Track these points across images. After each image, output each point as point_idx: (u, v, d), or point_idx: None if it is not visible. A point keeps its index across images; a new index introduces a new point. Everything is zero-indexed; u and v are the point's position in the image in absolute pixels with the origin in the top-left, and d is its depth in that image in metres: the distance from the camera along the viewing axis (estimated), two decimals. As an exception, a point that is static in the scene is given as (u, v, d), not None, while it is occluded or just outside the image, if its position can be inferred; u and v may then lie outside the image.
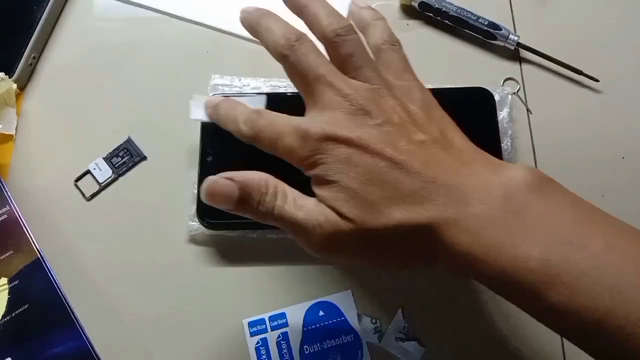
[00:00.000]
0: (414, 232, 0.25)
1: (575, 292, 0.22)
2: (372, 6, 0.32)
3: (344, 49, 0.28)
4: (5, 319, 0.33)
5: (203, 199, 0.27)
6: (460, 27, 0.41)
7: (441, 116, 0.28)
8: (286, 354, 0.34)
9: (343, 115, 0.26)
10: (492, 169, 0.26)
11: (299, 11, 0.30)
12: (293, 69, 0.28)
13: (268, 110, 0.29)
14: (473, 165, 0.26)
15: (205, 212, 0.35)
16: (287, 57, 0.28)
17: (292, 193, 0.27)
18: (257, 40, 0.30)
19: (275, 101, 0.37)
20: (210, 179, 0.27)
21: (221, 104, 0.30)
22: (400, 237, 0.25)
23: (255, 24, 0.30)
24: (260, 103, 0.34)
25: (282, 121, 0.28)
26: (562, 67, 0.39)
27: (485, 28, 0.40)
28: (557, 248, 0.23)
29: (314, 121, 0.27)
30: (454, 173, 0.26)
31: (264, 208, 0.26)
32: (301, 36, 0.28)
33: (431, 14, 0.41)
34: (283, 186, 0.27)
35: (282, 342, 0.34)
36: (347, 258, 0.27)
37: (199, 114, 0.32)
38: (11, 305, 0.34)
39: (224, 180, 0.27)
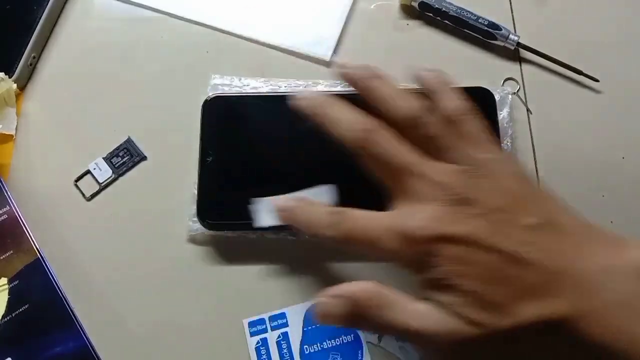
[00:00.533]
0: (544, 327, 0.23)
1: None
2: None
3: (425, 131, 0.26)
4: (5, 319, 0.33)
5: (317, 321, 0.26)
6: (460, 27, 0.41)
7: (538, 189, 0.27)
8: (286, 354, 0.34)
9: (442, 208, 0.25)
10: (613, 250, 0.24)
11: (365, 92, 0.28)
12: (372, 161, 0.26)
13: (348, 209, 0.27)
14: (592, 247, 0.25)
15: (206, 213, 0.35)
16: (364, 149, 0.26)
17: (404, 300, 0.25)
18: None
19: (275, 102, 0.38)
20: (321, 301, 0.25)
21: (294, 208, 0.28)
22: (532, 334, 0.24)
23: (320, 115, 0.28)
24: (330, 195, 0.31)
25: (373, 222, 0.26)
26: (562, 67, 0.39)
27: (485, 28, 0.40)
28: None
29: (412, 219, 0.25)
30: (575, 259, 0.24)
31: (379, 321, 0.25)
32: (374, 125, 0.26)
33: (431, 14, 0.41)
34: (393, 293, 0.25)
35: (282, 342, 0.34)
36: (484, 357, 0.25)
37: (268, 220, 0.30)
38: (11, 305, 0.34)
39: (333, 300, 0.25)
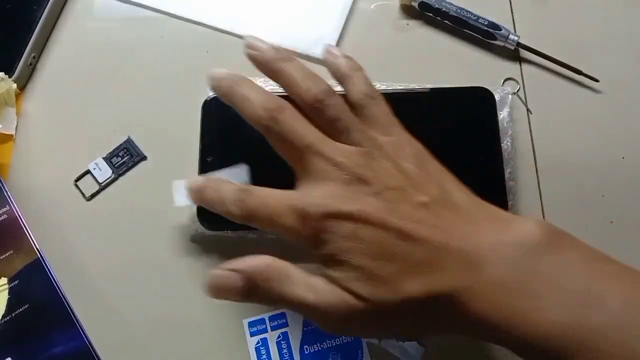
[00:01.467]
0: (429, 302, 0.24)
1: (598, 357, 0.22)
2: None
3: (327, 113, 0.27)
4: (5, 319, 0.33)
5: (209, 295, 0.26)
6: (460, 27, 0.41)
7: (436, 169, 0.27)
8: (286, 354, 0.34)
9: (338, 186, 0.26)
10: (500, 227, 0.25)
11: (272, 75, 0.29)
12: (277, 140, 0.27)
13: (256, 187, 0.27)
14: (480, 224, 0.25)
15: (206, 213, 0.35)
16: (269, 128, 0.27)
17: (298, 274, 0.26)
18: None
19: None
20: (212, 273, 0.26)
21: (205, 187, 0.29)
22: (416, 309, 0.24)
23: (229, 93, 0.28)
24: (243, 175, 0.32)
25: (275, 200, 0.26)
26: (562, 67, 0.39)
27: (485, 28, 0.40)
28: (575, 310, 0.23)
29: (309, 197, 0.26)
30: (462, 236, 0.25)
31: (272, 294, 0.26)
32: (281, 104, 0.27)
33: (431, 14, 0.41)
34: (288, 267, 0.26)
35: (282, 342, 0.34)
36: (363, 334, 0.27)
37: (182, 200, 0.31)
38: (11, 305, 0.34)
39: (227, 273, 0.26)
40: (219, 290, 0.26)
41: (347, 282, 0.25)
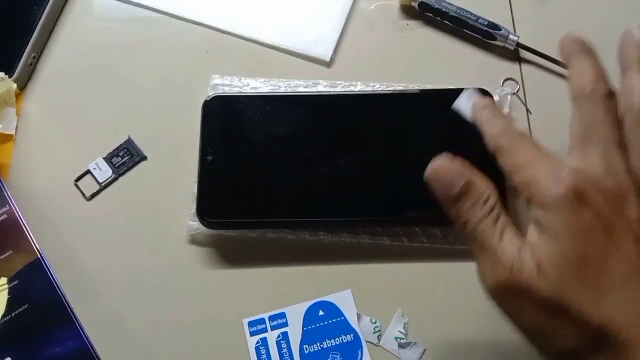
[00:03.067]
0: (589, 334, 0.23)
1: None
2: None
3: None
4: (5, 319, 0.33)
5: (426, 174, 0.26)
6: (460, 27, 0.41)
7: None
8: (286, 354, 0.34)
9: (602, 188, 0.24)
10: None
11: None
12: (583, 115, 0.27)
13: (532, 137, 0.28)
14: None
15: (205, 211, 0.35)
16: (585, 102, 0.26)
17: (504, 221, 0.25)
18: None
19: (275, 102, 0.38)
20: (446, 159, 0.26)
21: (489, 109, 0.29)
22: (581, 330, 0.23)
23: (569, 58, 0.28)
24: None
25: (543, 154, 0.26)
26: (562, 67, 0.39)
27: (485, 28, 0.40)
28: None
29: (576, 174, 0.25)
30: None
31: (470, 215, 0.25)
32: (610, 93, 0.26)
33: (431, 14, 0.41)
34: (501, 209, 0.26)
35: (281, 342, 0.34)
36: (515, 311, 0.25)
37: (464, 108, 0.31)
38: (11, 305, 0.34)
39: (456, 172, 0.26)
40: (436, 176, 0.26)
41: (543, 256, 0.24)
